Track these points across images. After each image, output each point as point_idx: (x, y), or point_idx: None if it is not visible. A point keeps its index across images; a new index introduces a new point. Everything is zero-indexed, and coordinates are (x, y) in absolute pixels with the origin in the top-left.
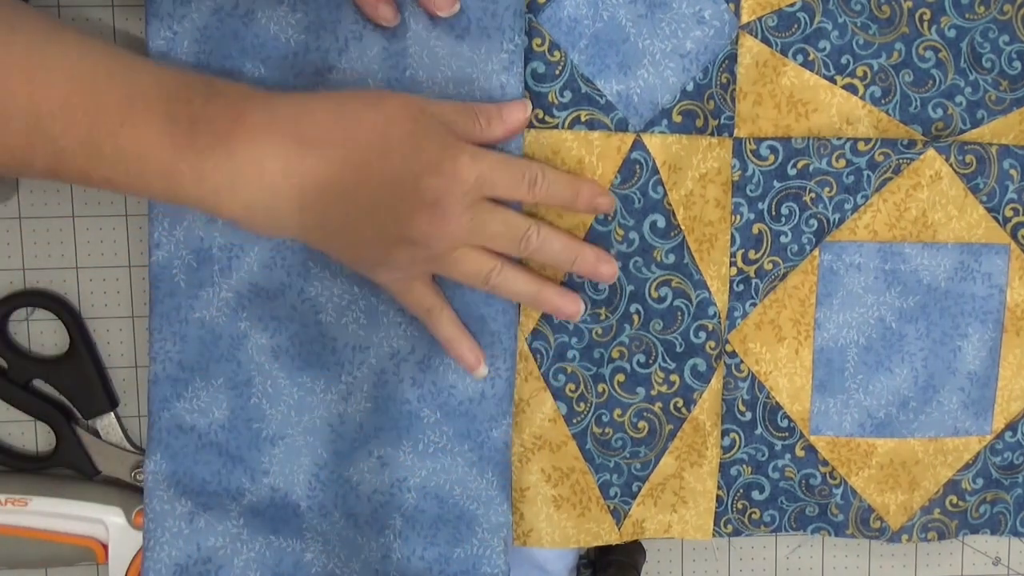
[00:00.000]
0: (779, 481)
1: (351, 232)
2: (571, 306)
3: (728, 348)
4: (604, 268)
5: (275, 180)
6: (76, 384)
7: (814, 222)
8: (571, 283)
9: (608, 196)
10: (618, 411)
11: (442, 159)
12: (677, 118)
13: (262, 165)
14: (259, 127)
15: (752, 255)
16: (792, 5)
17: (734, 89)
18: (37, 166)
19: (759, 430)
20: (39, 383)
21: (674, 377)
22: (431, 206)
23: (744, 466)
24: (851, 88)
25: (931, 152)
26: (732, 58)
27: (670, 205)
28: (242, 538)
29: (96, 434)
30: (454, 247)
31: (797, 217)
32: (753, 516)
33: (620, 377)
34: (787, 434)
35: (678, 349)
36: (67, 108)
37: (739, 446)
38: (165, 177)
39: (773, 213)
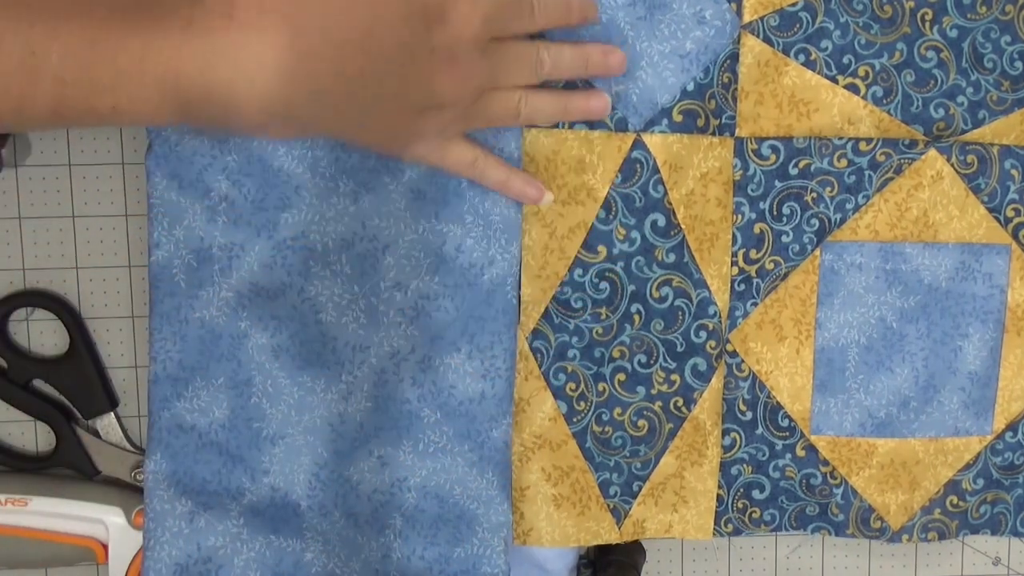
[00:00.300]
0: (779, 480)
1: (376, 113)
2: (597, 102)
3: (729, 347)
4: (612, 58)
5: (287, 69)
6: (76, 384)
7: (815, 222)
8: (572, 281)
9: (593, 6)
10: (618, 410)
11: (443, 7)
12: (678, 117)
13: (268, 59)
14: (253, 17)
15: (753, 255)
16: (794, 5)
17: (736, 88)
18: (39, 106)
19: (760, 430)
20: (39, 383)
21: (675, 376)
22: (447, 62)
23: (745, 465)
24: (853, 88)
25: (932, 152)
26: (734, 57)
27: (671, 204)
28: (242, 538)
29: (96, 434)
30: (479, 95)
31: (798, 217)
32: (753, 515)
33: (621, 376)
34: (788, 434)
35: (679, 348)
36: (59, 26)
37: (740, 445)
38: (168, 79)
39: (774, 213)
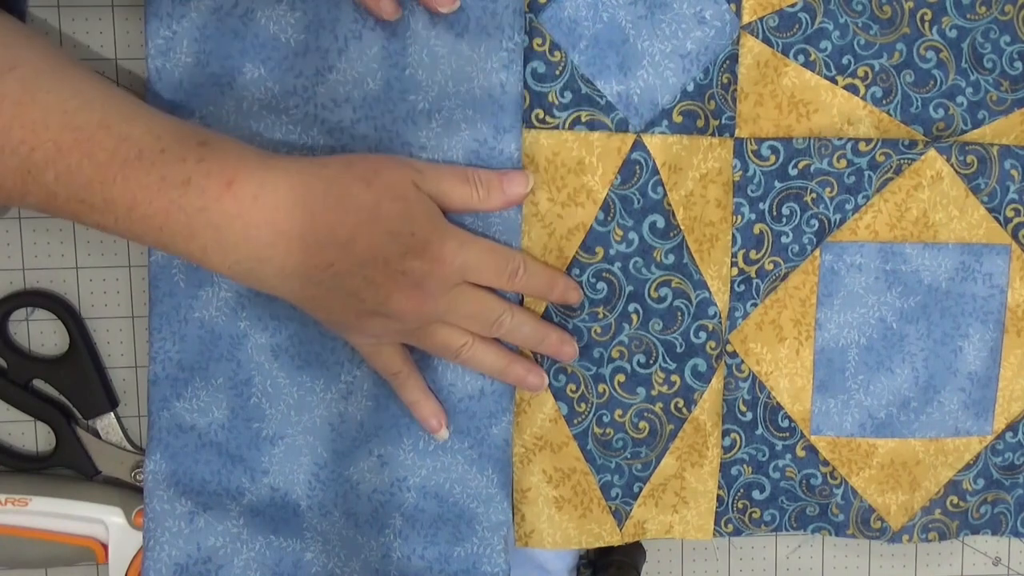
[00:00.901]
0: (780, 481)
1: (330, 299)
2: (536, 379)
3: (729, 348)
4: (566, 349)
5: (261, 249)
6: (76, 384)
7: (815, 222)
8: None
9: (577, 291)
10: (619, 411)
11: (429, 242)
12: (678, 118)
13: (249, 234)
14: (249, 197)
15: (753, 255)
16: (793, 5)
17: (735, 89)
18: (31, 202)
19: (760, 430)
20: (39, 383)
21: (675, 377)
22: (412, 287)
23: (745, 466)
24: (852, 88)
25: (932, 152)
26: (733, 58)
27: (670, 205)
28: (242, 538)
29: (96, 434)
30: (429, 323)
31: (798, 217)
32: (754, 516)
33: (620, 377)
34: (788, 434)
35: (678, 349)
36: (59, 155)
37: (740, 446)
38: (155, 231)
39: (774, 213)
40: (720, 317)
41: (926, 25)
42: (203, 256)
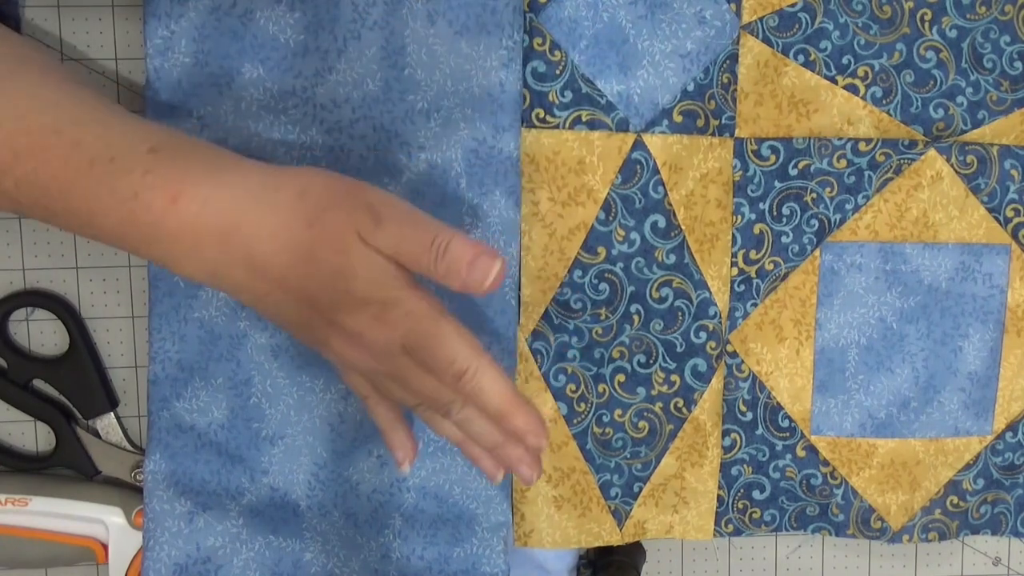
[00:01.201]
0: (780, 481)
1: (281, 322)
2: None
3: (729, 348)
4: (524, 471)
5: (210, 264)
6: (76, 384)
7: (815, 222)
8: (572, 283)
9: (542, 432)
10: (619, 411)
11: (367, 304)
12: (678, 118)
13: (199, 248)
14: (191, 215)
15: (753, 255)
16: (793, 5)
17: (735, 89)
18: (3, 206)
19: (760, 430)
20: (39, 383)
21: (675, 377)
22: (348, 339)
23: (745, 466)
24: (852, 88)
25: (932, 152)
26: (733, 58)
27: (671, 205)
28: (241, 538)
29: (96, 434)
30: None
31: (798, 217)
32: (754, 516)
33: (620, 377)
34: (788, 434)
35: (679, 349)
36: (16, 161)
37: (740, 446)
38: (118, 239)
39: (774, 213)
40: (720, 317)
41: (926, 25)
42: (164, 263)
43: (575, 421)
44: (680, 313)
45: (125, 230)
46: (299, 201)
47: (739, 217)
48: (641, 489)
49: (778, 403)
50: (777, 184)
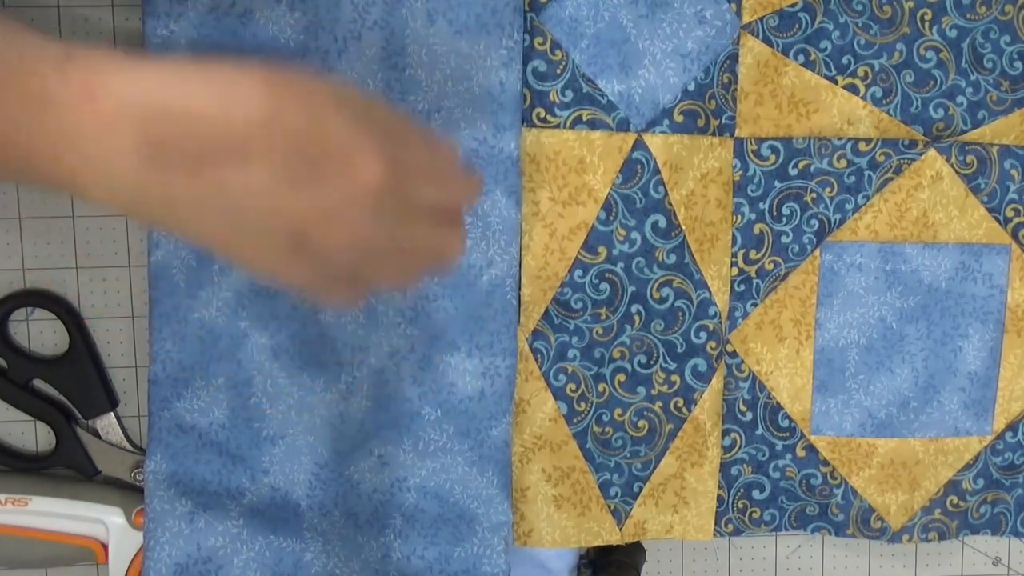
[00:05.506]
0: (780, 481)
1: (240, 236)
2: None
3: (729, 348)
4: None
5: (132, 166)
6: (76, 384)
7: (815, 222)
8: (572, 282)
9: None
10: (619, 411)
11: (355, 146)
12: (678, 118)
13: (117, 162)
14: (112, 104)
15: (753, 255)
16: (793, 5)
17: (735, 89)
18: None
19: (760, 430)
20: (39, 383)
21: (675, 377)
22: (337, 206)
23: (745, 466)
24: (852, 88)
25: (932, 152)
26: (733, 58)
27: (671, 205)
28: (242, 538)
29: (96, 434)
30: (361, 266)
31: (798, 217)
32: (754, 515)
33: (621, 377)
34: (788, 434)
35: (679, 349)
36: None
37: (740, 446)
38: (23, 160)
39: (774, 213)
40: (720, 317)
41: (926, 25)
42: (72, 180)
43: (575, 420)
44: (680, 313)
45: (32, 140)
46: (244, 75)
47: (739, 217)
48: (641, 489)
49: (778, 403)
50: (777, 184)
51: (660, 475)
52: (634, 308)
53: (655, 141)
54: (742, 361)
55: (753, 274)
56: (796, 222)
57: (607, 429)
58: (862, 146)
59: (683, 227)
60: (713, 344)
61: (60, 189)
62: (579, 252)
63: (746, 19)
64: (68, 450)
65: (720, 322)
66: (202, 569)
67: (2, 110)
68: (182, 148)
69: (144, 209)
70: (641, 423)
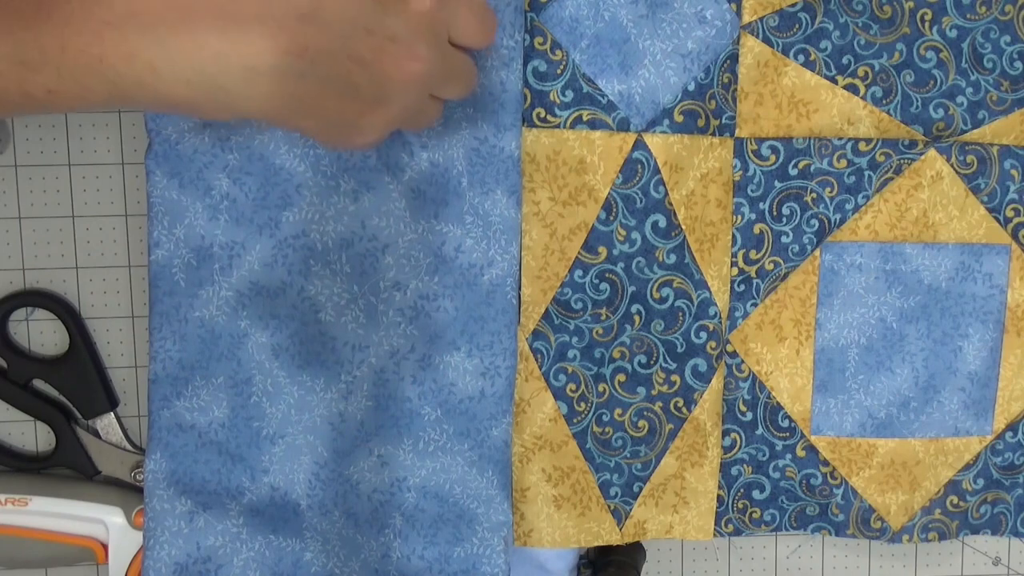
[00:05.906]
0: (780, 481)
1: (321, 99)
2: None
3: (729, 348)
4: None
5: (217, 48)
6: (76, 384)
7: (815, 222)
8: (572, 282)
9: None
10: (619, 411)
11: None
12: (679, 118)
13: (196, 34)
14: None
15: (753, 255)
16: (793, 5)
17: (735, 89)
18: None
19: (760, 430)
20: (39, 383)
21: (675, 377)
22: (406, 54)
23: (745, 466)
24: (852, 88)
25: (932, 152)
26: (734, 58)
27: (671, 205)
28: (242, 537)
29: (96, 434)
30: (426, 98)
31: (798, 217)
32: (754, 515)
33: (621, 377)
34: (788, 434)
35: (679, 349)
36: None
37: (740, 446)
38: (96, 63)
39: (774, 213)
40: (720, 317)
41: (926, 25)
42: (154, 78)
43: (575, 420)
44: (681, 313)
45: (104, 45)
46: None
47: (739, 217)
48: (641, 489)
49: (778, 403)
50: (777, 184)
51: (660, 475)
52: (634, 308)
53: (655, 141)
54: (742, 361)
55: (753, 274)
56: (796, 222)
57: (607, 429)
58: (862, 146)
59: (683, 227)
60: (713, 344)
61: (131, 93)
62: (579, 252)
63: (746, 19)
64: (68, 450)
65: (720, 322)
66: (202, 568)
67: (67, 19)
68: (261, 21)
69: (225, 97)
70: (641, 423)
